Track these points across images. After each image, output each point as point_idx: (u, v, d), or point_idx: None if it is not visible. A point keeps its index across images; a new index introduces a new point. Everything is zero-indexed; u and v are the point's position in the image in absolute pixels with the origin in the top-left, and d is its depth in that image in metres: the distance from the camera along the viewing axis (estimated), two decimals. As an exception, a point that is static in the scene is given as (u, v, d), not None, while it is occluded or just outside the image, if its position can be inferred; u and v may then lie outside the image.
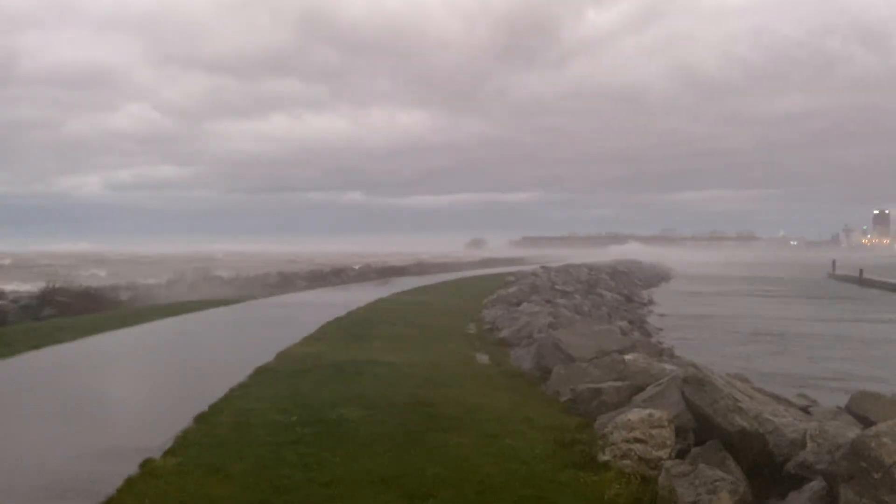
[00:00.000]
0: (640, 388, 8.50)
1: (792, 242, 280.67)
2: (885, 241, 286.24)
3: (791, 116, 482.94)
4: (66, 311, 19.63)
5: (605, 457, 6.25)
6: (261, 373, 10.27)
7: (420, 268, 51.32)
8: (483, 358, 12.74)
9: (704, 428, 6.65)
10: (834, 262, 74.34)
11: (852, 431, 6.19)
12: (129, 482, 5.58)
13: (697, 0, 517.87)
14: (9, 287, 25.60)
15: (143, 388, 9.80)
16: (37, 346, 12.43)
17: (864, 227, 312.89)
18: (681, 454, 6.39)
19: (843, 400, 9.12)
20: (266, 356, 11.48)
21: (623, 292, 38.54)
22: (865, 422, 7.62)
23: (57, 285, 22.41)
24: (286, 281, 34.06)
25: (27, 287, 24.94)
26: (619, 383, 8.81)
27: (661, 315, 31.31)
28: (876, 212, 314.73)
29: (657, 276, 65.35)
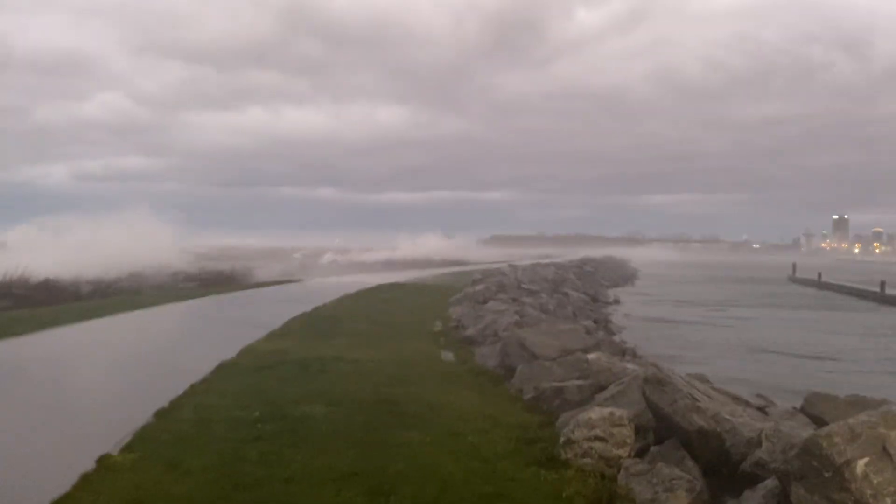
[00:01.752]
0: (603, 387, 8.59)
1: (754, 246, 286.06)
2: (844, 245, 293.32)
3: (767, 122, 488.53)
4: (23, 304, 19.21)
5: (566, 455, 6.32)
6: (223, 368, 10.17)
7: (388, 264, 51.22)
8: (448, 356, 12.76)
9: (664, 427, 6.75)
10: (794, 266, 75.90)
11: (806, 431, 6.34)
12: (85, 478, 5.50)
13: (683, 4, 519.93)
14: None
15: (102, 383, 9.64)
16: (-9, 340, 12.14)
17: (824, 232, 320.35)
18: (640, 452, 6.48)
19: (799, 401, 9.32)
20: (229, 352, 11.37)
21: (589, 292, 38.88)
22: (819, 422, 7.80)
23: (15, 276, 21.92)
24: (252, 275, 33.73)
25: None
26: (581, 382, 8.90)
27: (626, 314, 31.66)
28: (835, 217, 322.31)
29: (625, 278, 65.99)
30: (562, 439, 6.54)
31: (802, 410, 8.71)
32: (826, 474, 4.87)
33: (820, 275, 61.05)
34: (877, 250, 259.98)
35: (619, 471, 5.94)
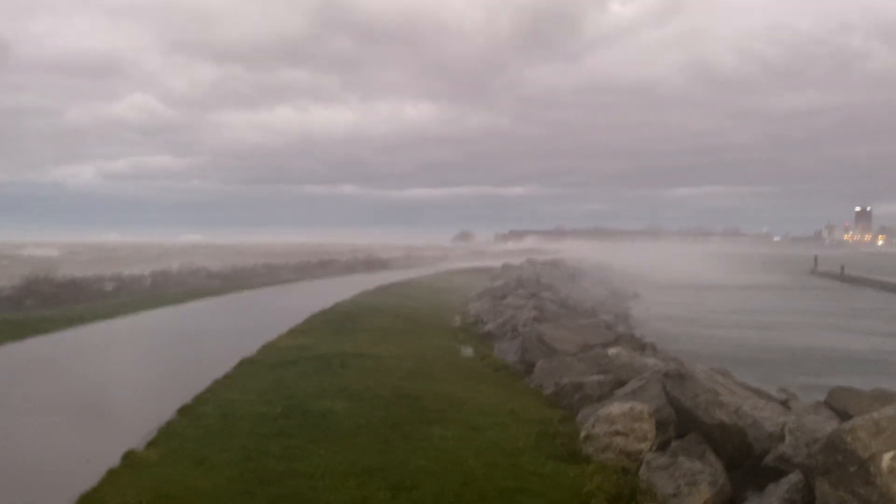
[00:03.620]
0: (623, 382, 8.56)
1: (775, 238, 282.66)
2: (867, 237, 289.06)
3: (800, 113, 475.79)
4: (48, 303, 19.48)
5: (587, 449, 6.32)
6: (245, 365, 10.26)
7: (407, 260, 51.34)
8: (468, 351, 12.79)
9: (685, 421, 6.72)
10: (816, 259, 74.94)
11: (830, 425, 6.28)
12: (112, 474, 5.58)
13: None
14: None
15: (126, 380, 9.77)
16: (18, 338, 12.34)
17: (847, 224, 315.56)
18: (662, 447, 6.45)
19: (822, 395, 9.24)
20: (251, 348, 11.48)
21: (608, 286, 38.74)
22: (844, 416, 7.74)
23: (40, 276, 22.21)
24: (273, 273, 33.96)
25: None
26: (601, 377, 8.87)
27: (647, 309, 31.50)
28: (858, 209, 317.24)
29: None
30: (582, 434, 6.54)
31: (826, 404, 8.64)
32: (851, 468, 4.83)
33: (843, 268, 60.30)
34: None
35: (640, 465, 5.93)
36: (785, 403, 9.09)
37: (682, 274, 57.58)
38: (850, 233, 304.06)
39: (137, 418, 7.27)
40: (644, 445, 6.24)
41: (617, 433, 6.28)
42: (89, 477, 5.46)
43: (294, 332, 13.93)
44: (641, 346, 13.51)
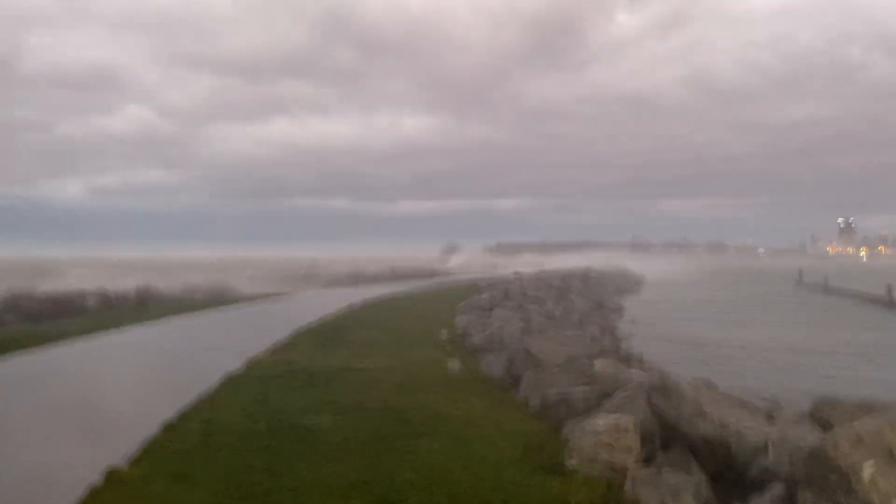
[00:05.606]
0: (608, 395, 8.59)
1: (760, 250, 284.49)
2: (850, 249, 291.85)
3: (798, 124, 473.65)
4: (31, 318, 19.30)
5: (572, 462, 6.33)
6: (230, 380, 10.20)
7: (393, 274, 51.25)
8: (454, 364, 12.76)
9: (670, 433, 6.76)
10: (801, 272, 75.67)
11: (813, 437, 6.34)
12: (93, 493, 5.52)
13: (723, 5, 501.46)
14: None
15: (109, 396, 9.66)
16: (-1, 354, 12.20)
17: (831, 236, 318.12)
18: (647, 459, 6.49)
19: (807, 406, 9.30)
20: (235, 363, 11.41)
21: (594, 299, 38.84)
22: (827, 427, 7.79)
23: (22, 291, 22.03)
24: (258, 287, 33.80)
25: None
26: (586, 389, 8.90)
27: (633, 321, 31.62)
28: (841, 220, 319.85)
29: (628, 287, 65.83)
30: (568, 447, 6.55)
31: (810, 415, 8.70)
32: (833, 478, 4.88)
33: (826, 279, 61.06)
34: (883, 252, 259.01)
35: (625, 477, 5.95)
36: (770, 415, 9.15)
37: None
38: (834, 244, 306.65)
39: (120, 435, 7.20)
40: (629, 458, 6.26)
41: (602, 445, 6.30)
42: (71, 495, 5.40)
43: (280, 346, 13.86)
44: (627, 358, 13.56)
